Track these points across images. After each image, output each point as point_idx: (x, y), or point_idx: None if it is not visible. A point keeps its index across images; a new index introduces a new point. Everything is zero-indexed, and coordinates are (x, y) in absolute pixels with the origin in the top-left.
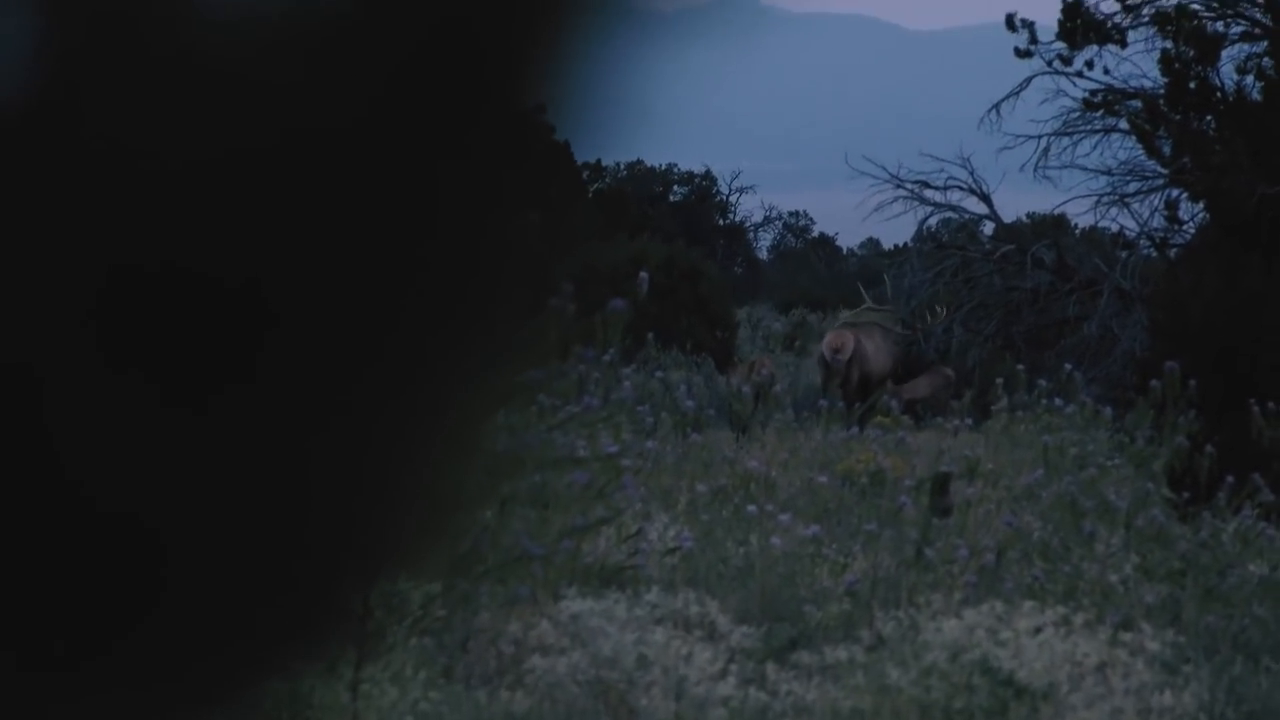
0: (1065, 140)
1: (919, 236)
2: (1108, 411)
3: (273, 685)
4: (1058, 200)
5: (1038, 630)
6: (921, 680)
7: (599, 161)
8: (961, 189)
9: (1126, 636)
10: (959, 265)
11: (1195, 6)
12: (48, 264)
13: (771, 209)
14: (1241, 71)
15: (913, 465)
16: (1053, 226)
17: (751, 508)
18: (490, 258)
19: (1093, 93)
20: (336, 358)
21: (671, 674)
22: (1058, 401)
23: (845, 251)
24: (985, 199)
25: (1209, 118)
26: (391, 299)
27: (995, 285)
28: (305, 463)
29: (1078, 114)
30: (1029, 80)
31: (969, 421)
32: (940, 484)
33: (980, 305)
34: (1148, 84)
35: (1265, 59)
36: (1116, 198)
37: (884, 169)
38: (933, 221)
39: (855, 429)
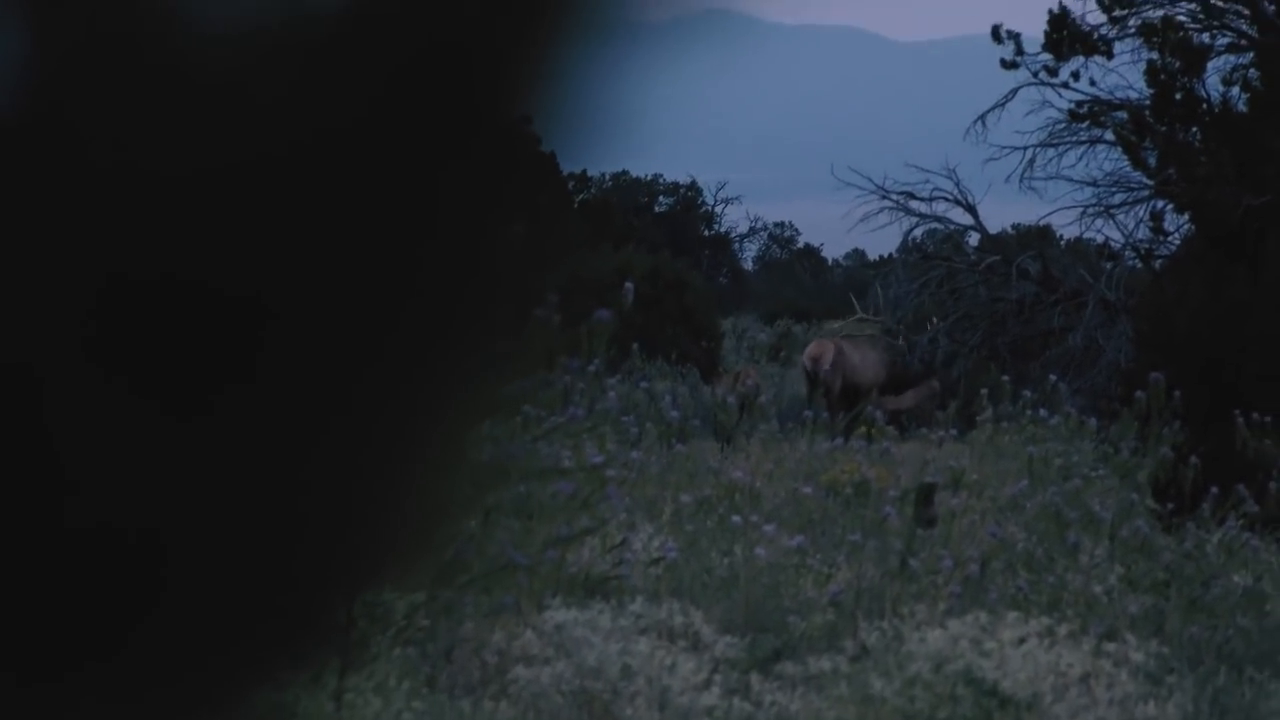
0: (1051, 151)
1: (904, 247)
2: (1092, 422)
3: (259, 696)
4: (1043, 211)
5: (1022, 641)
6: (905, 691)
7: (585, 172)
8: (947, 200)
9: (1110, 647)
10: (944, 276)
11: (1181, 18)
12: (42, 273)
13: (757, 219)
14: (1227, 83)
15: (897, 476)
16: (1038, 237)
17: (736, 518)
18: (478, 270)
19: (1078, 104)
20: (327, 370)
21: (655, 684)
22: (1042, 412)
23: (830, 262)
24: (971, 210)
25: (1195, 129)
26: (380, 311)
27: (980, 296)
28: (296, 473)
29: (1063, 125)
30: (1015, 91)
31: (954, 432)
32: (925, 494)
33: (965, 316)
34: (1133, 95)
35: (1251, 70)
36: (1102, 209)
37: (870, 180)
38: (918, 232)
39: (840, 440)
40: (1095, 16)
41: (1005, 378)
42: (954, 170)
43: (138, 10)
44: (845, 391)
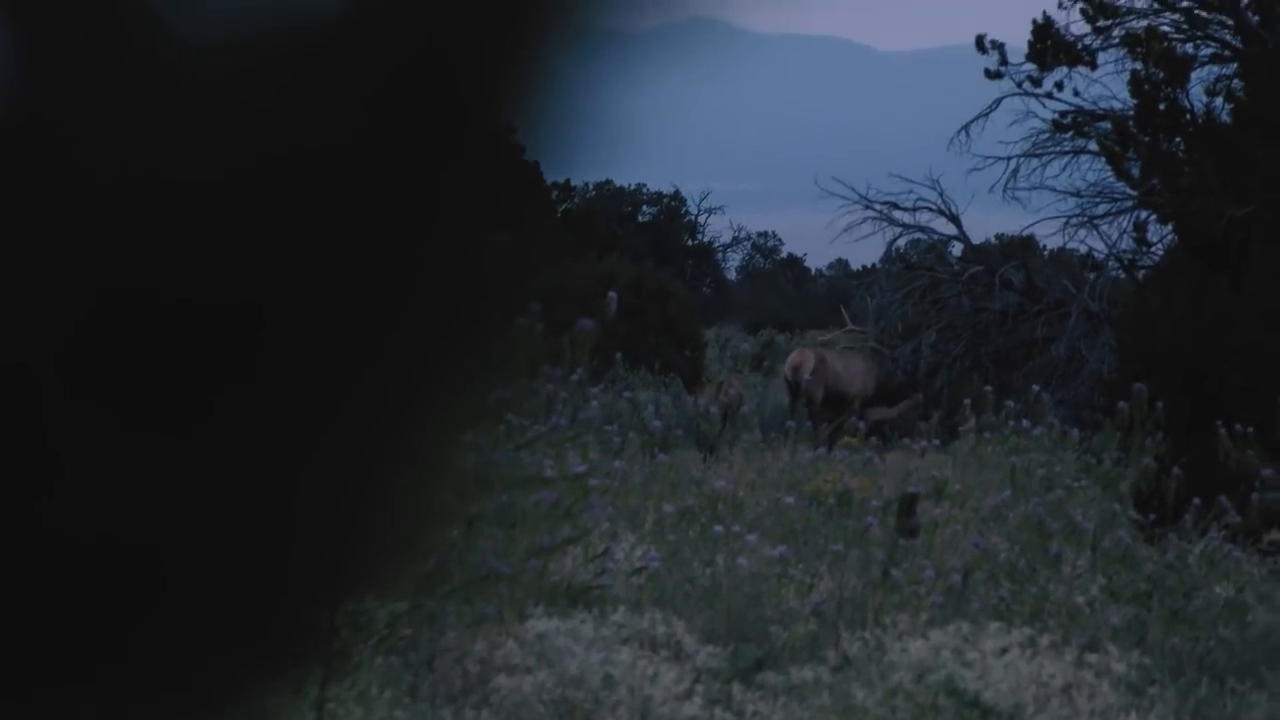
0: (1034, 161)
1: (888, 257)
2: (1075, 433)
3: (242, 706)
4: (1026, 221)
5: (1004, 651)
6: (887, 701)
7: (568, 181)
8: (930, 210)
9: (1092, 658)
10: (927, 286)
11: (1165, 28)
12: (27, 285)
13: (740, 229)
14: (1211, 94)
15: (880, 486)
16: (1021, 248)
17: (718, 528)
18: (464, 279)
19: (1062, 114)
20: (315, 379)
21: (637, 694)
22: (1025, 423)
23: (814, 272)
24: (954, 220)
25: (1178, 140)
26: (368, 319)
27: (964, 306)
28: (283, 483)
29: (1047, 135)
30: (998, 101)
31: (936, 442)
32: (907, 505)
33: (949, 326)
34: (1117, 106)
35: (1235, 81)
36: (1085, 219)
37: (853, 190)
38: (901, 242)
39: (823, 449)
40: (1079, 27)
41: (988, 388)
42: (938, 180)
43: (127, 17)
44: (830, 401)
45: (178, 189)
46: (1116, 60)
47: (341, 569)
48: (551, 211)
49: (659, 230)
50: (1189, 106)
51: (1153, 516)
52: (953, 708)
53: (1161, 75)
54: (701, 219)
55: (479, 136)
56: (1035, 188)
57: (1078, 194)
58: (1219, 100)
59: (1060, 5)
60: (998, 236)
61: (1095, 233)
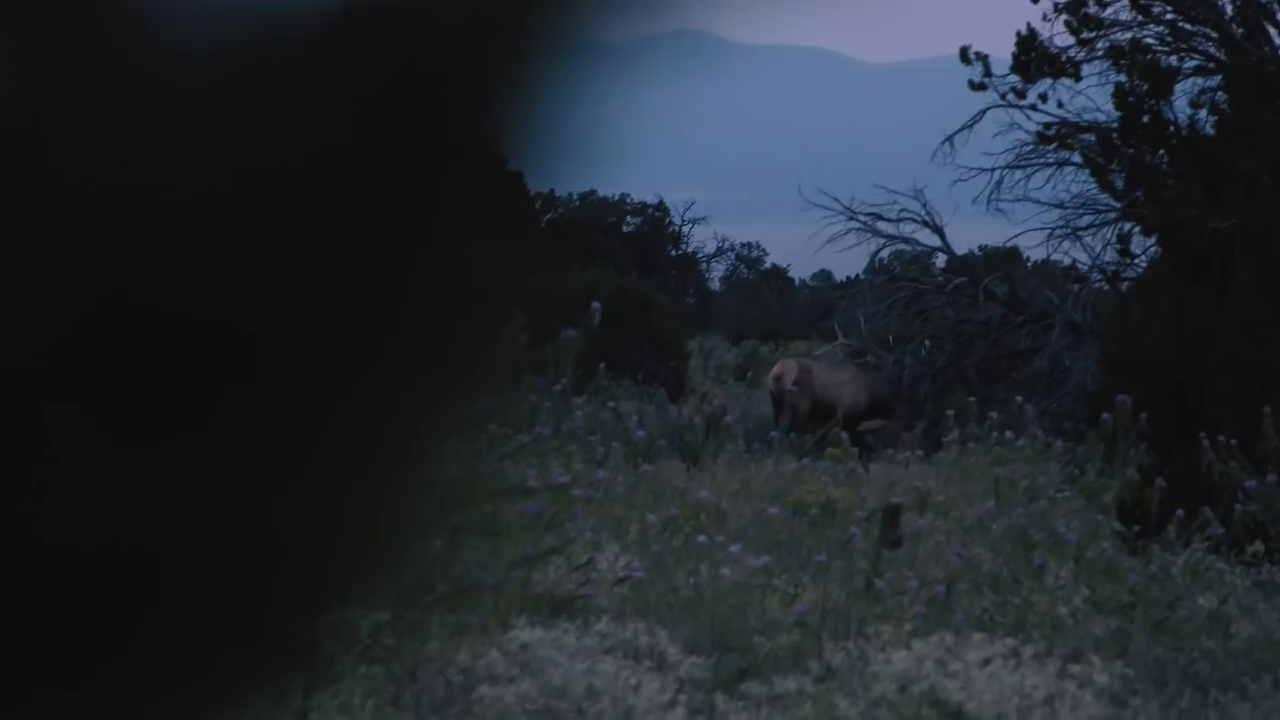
0: (1018, 173)
1: (871, 268)
2: (1059, 444)
3: (225, 715)
4: (1010, 233)
5: (987, 662)
6: (870, 711)
7: (552, 191)
8: (914, 221)
9: (1075, 669)
10: (911, 297)
11: (1149, 41)
12: (5, 297)
13: (724, 240)
14: (1195, 106)
15: (863, 496)
16: (1005, 259)
17: (702, 538)
18: (448, 291)
19: (1046, 126)
20: (301, 390)
21: (620, 704)
22: (1009, 434)
23: (798, 283)
24: (938, 231)
25: (1162, 152)
26: (354, 331)
27: (947, 317)
28: (270, 493)
29: (1031, 147)
30: (983, 113)
31: (920, 453)
32: (891, 515)
33: (932, 337)
34: (1101, 117)
35: (1219, 93)
36: (1069, 231)
37: (837, 201)
38: (885, 254)
39: (807, 460)
40: (1063, 39)
41: (972, 399)
42: (921, 191)
43: (111, 24)
44: (820, 413)
45: (161, 197)
46: (1101, 72)
47: (325, 579)
48: (535, 222)
49: (643, 241)
50: (1173, 119)
51: (1136, 528)
52: (936, 718)
53: (1145, 87)
54: (685, 229)
55: (464, 147)
56: (1019, 199)
57: (1061, 206)
58: (1203, 112)
59: (1045, 17)
60: (981, 248)
61: (1079, 244)
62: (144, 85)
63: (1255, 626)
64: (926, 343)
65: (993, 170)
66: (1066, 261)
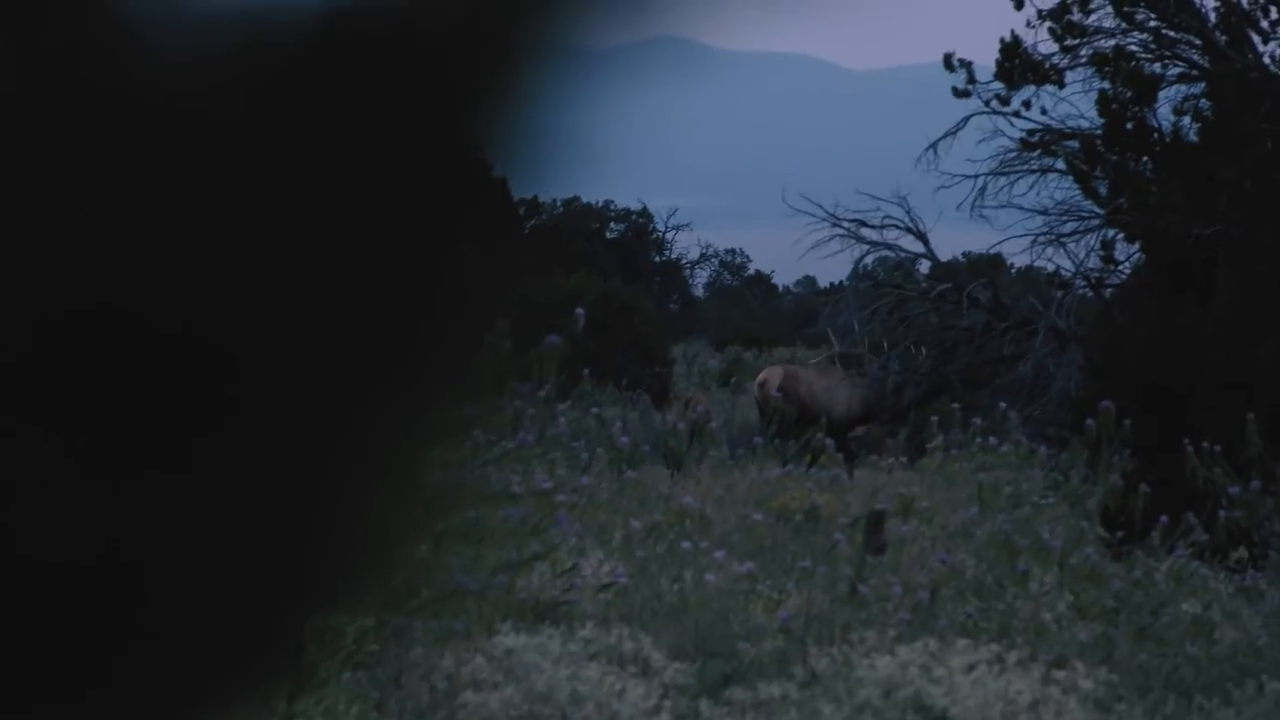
0: (1002, 180)
1: (855, 275)
2: (1042, 450)
3: None
4: (994, 239)
5: (971, 668)
6: (855, 717)
7: (536, 198)
8: (898, 228)
9: (1060, 675)
10: (895, 304)
11: (1133, 48)
12: None
13: (708, 246)
14: (1179, 113)
15: (847, 503)
16: (989, 266)
17: (686, 544)
18: (435, 296)
19: (1030, 132)
20: (286, 396)
21: (605, 710)
22: (993, 440)
23: (781, 289)
24: (922, 238)
25: (1145, 159)
26: (339, 338)
27: (931, 324)
28: (256, 499)
29: (1014, 154)
30: (966, 120)
31: (904, 459)
32: (875, 521)
33: (916, 343)
34: (1085, 124)
35: (1202, 101)
36: (1052, 237)
37: (821, 207)
38: (869, 260)
39: (791, 466)
40: (1047, 46)
41: (955, 405)
42: (905, 198)
43: (97, 31)
44: (807, 419)
45: (145, 204)
46: (1084, 79)
47: (309, 585)
48: (520, 228)
49: (626, 247)
50: (1156, 126)
51: (1120, 534)
52: None
53: (1129, 94)
54: (669, 235)
55: (450, 153)
56: (1003, 206)
57: (1045, 212)
58: (1187, 120)
59: (1028, 24)
60: (965, 254)
61: (1062, 251)
62: (130, 90)
63: (1239, 632)
64: (914, 349)
65: (976, 177)
66: (1050, 268)
